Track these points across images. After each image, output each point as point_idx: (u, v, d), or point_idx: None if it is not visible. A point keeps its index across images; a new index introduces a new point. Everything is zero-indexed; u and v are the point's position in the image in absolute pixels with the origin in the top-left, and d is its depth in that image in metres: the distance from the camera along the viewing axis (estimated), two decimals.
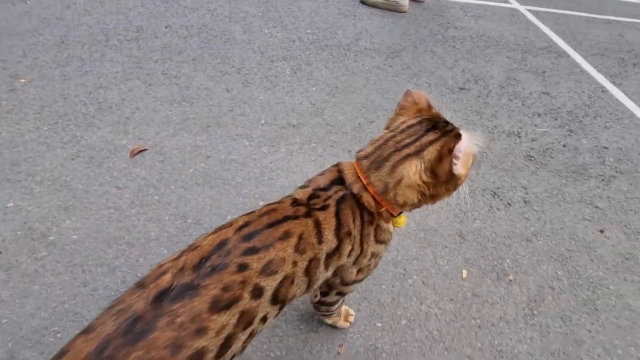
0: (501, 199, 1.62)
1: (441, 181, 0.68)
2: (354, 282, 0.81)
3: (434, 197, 0.72)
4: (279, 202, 0.71)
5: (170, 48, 2.33)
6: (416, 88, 2.26)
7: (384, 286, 1.24)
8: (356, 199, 0.71)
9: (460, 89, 2.32)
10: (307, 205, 0.69)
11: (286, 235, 0.63)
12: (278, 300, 0.63)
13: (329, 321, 1.06)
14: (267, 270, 0.60)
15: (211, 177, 1.54)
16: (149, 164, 1.55)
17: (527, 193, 1.67)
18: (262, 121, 1.87)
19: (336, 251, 0.69)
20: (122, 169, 1.51)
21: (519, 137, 1.99)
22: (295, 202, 0.70)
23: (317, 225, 0.67)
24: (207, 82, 2.09)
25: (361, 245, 0.73)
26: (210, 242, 0.61)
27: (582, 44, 3.00)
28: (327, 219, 0.68)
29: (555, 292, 1.29)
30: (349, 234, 0.70)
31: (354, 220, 0.70)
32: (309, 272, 0.66)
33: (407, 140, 0.68)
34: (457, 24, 3.11)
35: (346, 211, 0.69)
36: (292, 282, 0.64)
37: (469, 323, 1.17)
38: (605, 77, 2.60)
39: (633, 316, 1.25)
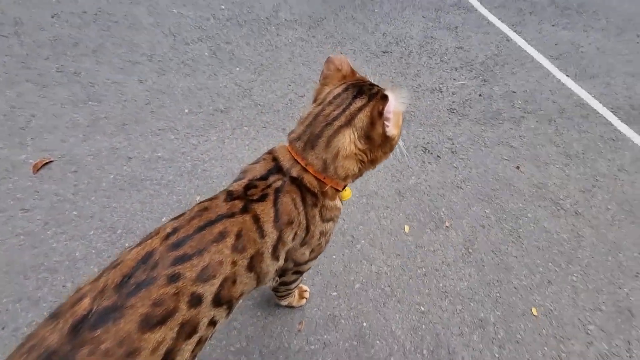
0: (431, 153, 1.72)
1: (377, 145, 0.68)
2: (308, 261, 0.80)
3: (373, 162, 0.71)
4: (211, 199, 0.65)
5: (62, 40, 2.02)
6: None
7: (334, 256, 1.27)
8: (297, 182, 0.68)
9: (384, 52, 2.36)
10: (244, 197, 0.65)
11: (221, 237, 0.59)
12: (222, 302, 0.59)
13: (285, 302, 1.07)
14: (203, 276, 0.56)
15: (137, 179, 1.41)
16: (59, 176, 1.37)
17: (453, 144, 1.79)
18: (186, 110, 1.74)
19: (279, 241, 0.67)
20: (26, 188, 1.32)
21: (441, 92, 2.10)
22: (231, 196, 0.65)
23: (257, 219, 0.63)
24: (115, 75, 1.86)
25: (307, 228, 0.71)
26: (134, 257, 0.55)
27: None
28: (266, 211, 0.64)
29: (486, 229, 1.43)
30: (291, 222, 0.67)
31: (295, 206, 0.67)
32: (252, 268, 0.63)
33: (336, 112, 0.66)
34: None
35: (285, 200, 0.66)
36: (235, 282, 0.61)
37: (415, 273, 1.26)
38: (508, 26, 2.82)
39: (548, 237, 1.44)
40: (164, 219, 1.29)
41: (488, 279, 1.27)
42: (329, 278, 1.21)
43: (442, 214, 1.47)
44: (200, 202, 0.65)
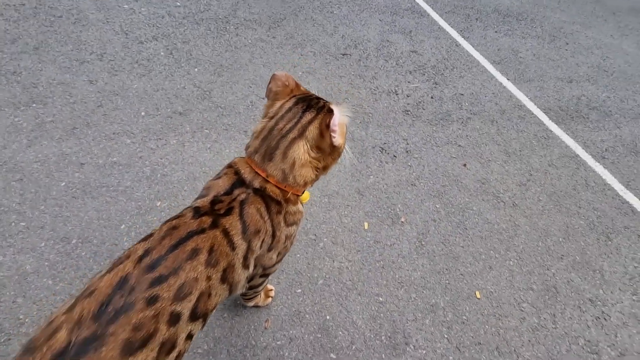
0: (388, 153, 1.83)
1: (327, 153, 0.74)
2: (275, 264, 0.85)
3: (325, 168, 0.78)
4: (179, 217, 0.66)
5: None
6: (301, 58, 2.30)
7: (298, 255, 1.33)
8: (260, 193, 0.71)
9: (343, 54, 2.44)
10: (212, 212, 0.67)
11: (194, 253, 0.61)
12: (198, 316, 0.62)
13: (251, 304, 1.10)
14: (180, 295, 0.58)
15: (91, 186, 1.36)
16: (2, 186, 1.29)
17: (408, 144, 1.91)
18: (142, 113, 1.69)
19: (248, 250, 0.70)
20: None
21: (396, 94, 2.23)
22: (198, 213, 0.66)
23: (226, 233, 0.66)
24: (61, 75, 1.76)
25: (273, 234, 0.75)
26: (108, 283, 0.55)
27: (438, 3, 3.41)
28: (234, 224, 0.67)
29: (437, 223, 1.56)
30: (258, 231, 0.70)
31: (261, 216, 0.71)
32: (226, 279, 0.66)
33: (289, 125, 0.71)
34: None
35: (251, 211, 0.69)
36: (210, 295, 0.63)
37: (374, 267, 1.35)
38: (457, 32, 3.03)
39: (490, 227, 1.60)
40: (122, 227, 1.26)
41: (438, 268, 1.40)
42: (293, 276, 1.26)
43: (398, 210, 1.58)
44: (168, 221, 0.66)
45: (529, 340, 1.25)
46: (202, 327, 0.66)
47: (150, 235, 0.63)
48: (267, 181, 0.72)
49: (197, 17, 2.41)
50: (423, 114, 2.13)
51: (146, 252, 0.59)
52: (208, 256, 0.62)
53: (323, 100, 0.77)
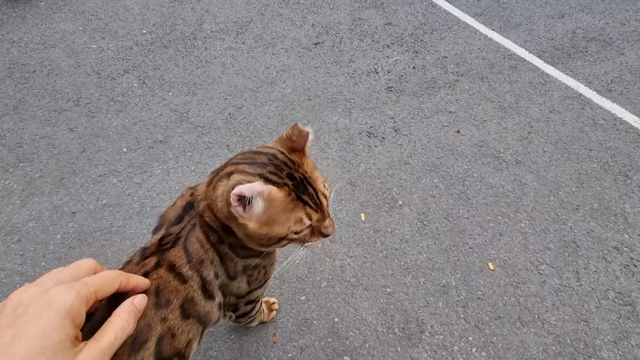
0: (376, 136, 1.76)
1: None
2: (252, 291, 0.78)
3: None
4: (126, 264, 0.63)
5: None
6: (274, 57, 2.24)
7: (297, 261, 1.30)
8: (201, 217, 0.65)
9: (315, 44, 2.37)
10: (157, 250, 0.62)
11: None
12: (166, 357, 0.59)
13: (255, 324, 1.08)
14: (135, 347, 0.54)
15: (85, 233, 1.38)
16: (2, 250, 1.32)
17: (395, 122, 1.84)
18: (124, 149, 1.70)
19: (204, 280, 0.65)
20: None
21: (376, 73, 2.14)
22: (144, 255, 0.62)
23: (172, 268, 0.61)
24: (43, 129, 1.79)
25: (223, 263, 0.68)
26: None
27: None
28: (179, 256, 0.62)
29: (436, 199, 1.49)
30: (202, 261, 0.64)
31: (202, 245, 0.64)
32: (189, 314, 0.62)
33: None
34: None
35: (192, 239, 0.64)
36: (174, 335, 0.60)
37: (377, 257, 1.31)
38: None
39: (494, 191, 1.52)
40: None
41: (445, 246, 1.34)
42: (295, 284, 1.24)
43: (394, 193, 1.52)
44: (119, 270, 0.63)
45: (553, 304, 1.18)
46: None
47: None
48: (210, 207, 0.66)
49: (164, 40, 2.39)
50: (407, 87, 2.03)
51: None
52: (156, 298, 0.60)
53: (286, 155, 0.65)
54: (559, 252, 1.31)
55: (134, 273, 0.59)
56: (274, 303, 1.15)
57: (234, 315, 0.84)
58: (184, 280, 0.62)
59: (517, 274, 1.26)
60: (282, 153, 0.64)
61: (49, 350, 0.31)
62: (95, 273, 0.41)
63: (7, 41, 2.36)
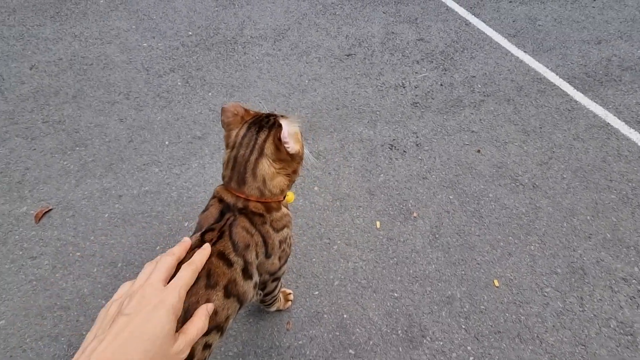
0: (397, 149, 1.85)
1: (288, 161, 0.81)
2: (281, 267, 0.93)
3: (294, 172, 0.85)
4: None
5: (42, 91, 2.15)
6: (307, 66, 2.38)
7: (314, 259, 1.41)
8: (244, 211, 0.79)
9: (347, 55, 2.48)
10: (201, 244, 0.72)
11: (194, 283, 0.66)
12: (210, 330, 0.70)
13: (273, 308, 1.21)
14: (187, 316, 0.62)
15: (129, 215, 1.55)
16: (59, 223, 1.52)
17: (417, 137, 1.92)
18: (166, 142, 1.88)
19: (246, 263, 0.78)
20: (31, 238, 1.46)
21: (404, 87, 2.22)
22: (192, 249, 0.71)
23: (222, 255, 0.73)
24: (97, 118, 2.00)
25: (265, 243, 0.82)
26: None
27: None
28: (226, 245, 0.75)
29: (450, 214, 1.57)
30: (247, 246, 0.77)
31: (248, 232, 0.78)
32: (230, 294, 0.73)
33: (249, 150, 0.78)
34: None
35: (238, 230, 0.77)
36: (216, 312, 0.71)
37: (388, 264, 1.40)
38: (467, 10, 2.92)
39: (508, 212, 1.57)
40: (157, 248, 1.44)
41: (454, 259, 1.41)
42: (310, 279, 1.35)
43: (409, 205, 1.60)
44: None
45: (554, 326, 1.23)
46: (222, 336, 0.76)
47: None
48: (249, 201, 0.79)
49: (207, 43, 2.57)
50: (432, 104, 2.11)
51: None
52: (207, 280, 0.71)
53: (273, 116, 0.83)
54: (565, 277, 1.36)
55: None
56: (289, 294, 1.27)
57: (262, 293, 0.97)
58: (230, 264, 0.74)
59: (521, 293, 1.32)
60: (246, 122, 0.81)
61: (158, 342, 0.41)
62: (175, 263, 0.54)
63: (70, 35, 2.62)
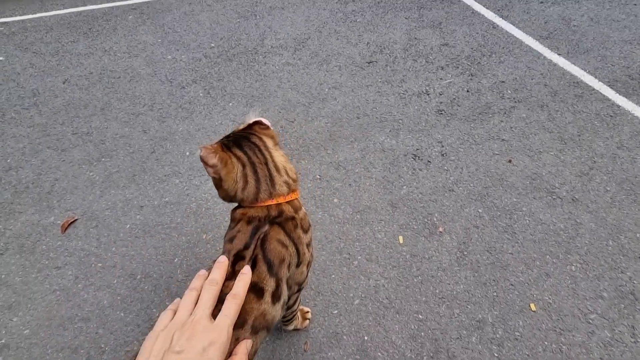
0: (421, 159, 1.77)
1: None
2: (307, 275, 0.88)
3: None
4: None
5: (73, 104, 2.24)
6: (327, 74, 2.34)
7: (333, 276, 1.35)
8: (277, 220, 0.75)
9: (368, 62, 2.43)
10: (232, 275, 0.66)
11: None
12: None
13: (291, 327, 1.16)
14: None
15: (149, 226, 1.56)
16: (83, 233, 1.54)
17: (443, 146, 1.82)
18: (187, 153, 1.89)
19: (277, 284, 0.71)
20: (57, 248, 1.50)
21: (427, 95, 2.14)
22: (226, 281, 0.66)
23: (253, 287, 0.66)
24: (122, 129, 2.05)
25: (298, 251, 0.78)
26: None
27: None
28: (260, 271, 0.68)
29: (479, 230, 1.46)
30: (283, 260, 0.72)
31: (283, 244, 0.73)
32: (257, 330, 0.66)
33: (259, 154, 0.77)
34: None
35: (272, 246, 0.71)
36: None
37: (412, 282, 1.32)
38: (494, 12, 2.80)
39: (544, 228, 1.45)
40: (175, 260, 1.43)
41: (484, 280, 1.31)
42: (329, 297, 1.29)
43: (435, 219, 1.51)
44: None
45: (601, 358, 1.10)
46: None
47: None
48: (280, 204, 0.76)
49: (229, 54, 2.60)
50: (459, 111, 2.01)
51: None
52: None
53: (246, 125, 0.83)
54: (613, 303, 1.22)
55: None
56: (307, 312, 1.22)
57: (286, 309, 0.91)
58: (261, 294, 0.67)
59: (561, 320, 1.19)
60: (227, 147, 0.78)
61: None
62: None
63: (100, 50, 2.73)
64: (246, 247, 0.71)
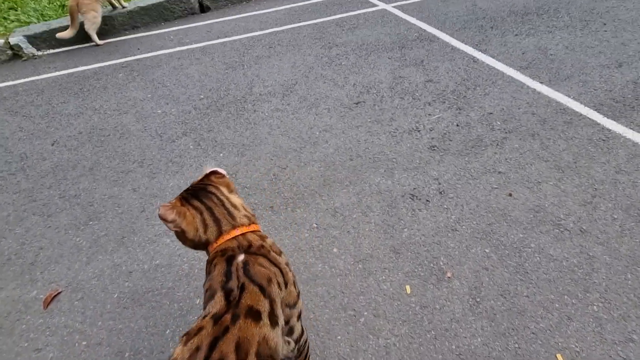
0: (420, 199, 1.72)
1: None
2: (298, 295, 0.88)
3: None
4: (197, 332, 0.65)
5: (62, 165, 2.21)
6: (317, 118, 2.35)
7: (339, 337, 1.25)
8: (250, 249, 0.80)
9: (356, 103, 2.46)
10: (229, 307, 0.68)
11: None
12: None
13: None
14: None
15: (138, 294, 1.46)
16: (67, 307, 1.43)
17: (440, 183, 1.79)
18: None
19: (272, 304, 0.73)
20: (38, 327, 1.38)
21: (418, 131, 2.14)
22: (217, 317, 0.67)
23: (250, 310, 0.68)
24: (111, 189, 1.99)
25: (280, 270, 0.81)
26: None
27: (446, 23, 3.34)
28: (253, 293, 0.71)
29: (489, 272, 1.38)
30: (270, 279, 0.76)
31: (264, 266, 0.78)
32: (261, 357, 0.65)
33: (214, 198, 0.85)
34: (338, 41, 3.31)
35: (256, 268, 0.76)
36: None
37: (425, 338, 1.21)
38: (472, 47, 2.91)
39: (557, 265, 1.37)
40: (167, 332, 1.31)
41: (502, 329, 1.21)
42: None
43: (441, 263, 1.43)
44: (186, 341, 0.65)
45: None
46: None
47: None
48: (246, 234, 0.83)
49: (218, 104, 2.63)
50: (451, 146, 2.00)
51: None
52: (236, 355, 0.62)
53: (200, 179, 0.90)
54: None
55: (210, 336, 0.64)
56: None
57: (292, 342, 0.87)
58: (258, 316, 0.68)
59: None
60: (186, 201, 0.85)
61: None
62: None
63: (90, 109, 2.75)
64: (227, 276, 0.74)
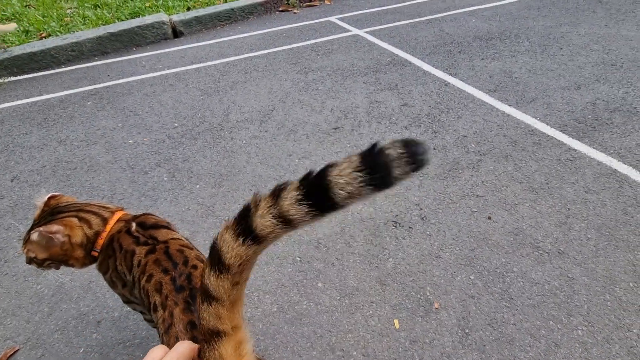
0: (402, 226, 1.71)
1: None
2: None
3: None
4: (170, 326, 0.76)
5: (22, 204, 2.05)
6: (295, 144, 2.33)
7: None
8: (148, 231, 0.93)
9: (335, 129, 2.47)
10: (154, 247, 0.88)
11: None
12: None
13: None
14: None
15: (108, 346, 1.33)
16: None
17: (421, 209, 1.79)
18: None
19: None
20: None
21: None
22: (151, 251, 0.88)
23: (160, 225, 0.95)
24: None
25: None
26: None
27: (417, 48, 3.47)
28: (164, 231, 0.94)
29: (476, 300, 1.38)
30: (168, 222, 1.00)
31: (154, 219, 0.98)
32: None
33: (75, 205, 0.96)
34: (313, 66, 3.36)
35: (150, 224, 0.94)
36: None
37: None
38: (443, 71, 3.02)
39: (540, 289, 1.39)
40: None
41: None
42: None
43: (428, 293, 1.41)
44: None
45: None
46: None
47: None
48: (128, 215, 0.99)
49: (194, 132, 2.56)
50: (429, 170, 2.03)
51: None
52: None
53: (42, 208, 0.99)
54: None
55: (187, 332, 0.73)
56: None
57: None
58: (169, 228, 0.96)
59: None
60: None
61: None
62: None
63: (55, 140, 2.60)
64: (136, 239, 0.89)
